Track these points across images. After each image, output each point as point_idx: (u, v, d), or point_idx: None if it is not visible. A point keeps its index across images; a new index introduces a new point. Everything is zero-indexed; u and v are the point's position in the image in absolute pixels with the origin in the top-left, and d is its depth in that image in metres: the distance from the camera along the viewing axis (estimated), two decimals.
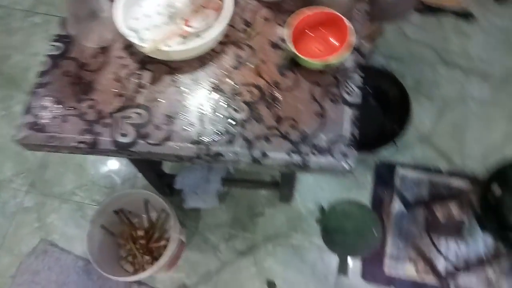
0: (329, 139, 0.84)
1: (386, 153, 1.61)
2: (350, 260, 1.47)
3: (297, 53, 0.85)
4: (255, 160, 0.82)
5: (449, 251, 1.48)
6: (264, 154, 0.82)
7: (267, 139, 0.83)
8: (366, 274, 1.45)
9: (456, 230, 1.49)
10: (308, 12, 0.87)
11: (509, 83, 1.71)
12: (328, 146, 0.83)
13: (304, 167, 0.82)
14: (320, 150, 0.83)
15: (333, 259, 1.47)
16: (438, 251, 1.46)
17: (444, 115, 1.68)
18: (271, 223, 1.54)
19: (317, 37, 0.92)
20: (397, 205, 1.56)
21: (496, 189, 1.05)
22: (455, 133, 1.65)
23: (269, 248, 1.50)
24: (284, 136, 0.84)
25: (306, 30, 0.90)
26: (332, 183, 1.59)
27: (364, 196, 1.57)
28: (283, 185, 1.40)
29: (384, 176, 1.60)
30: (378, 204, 1.56)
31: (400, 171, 1.61)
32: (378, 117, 1.63)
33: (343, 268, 1.45)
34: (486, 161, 1.58)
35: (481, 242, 1.46)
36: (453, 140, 1.64)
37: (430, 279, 1.44)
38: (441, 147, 1.63)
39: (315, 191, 1.59)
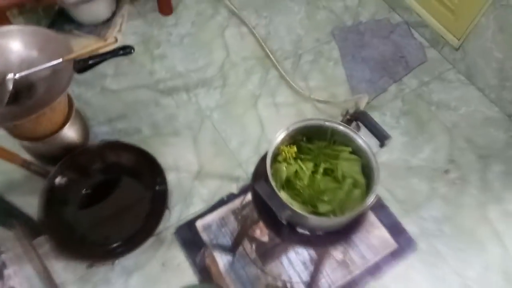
0: None
1: (174, 218, 1.35)
2: None
3: None
4: None
5: (294, 263, 1.31)
6: None
7: None
8: None
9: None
10: None
11: (227, 77, 1.67)
12: None
13: None
14: None
15: None
16: (283, 275, 1.28)
17: (199, 140, 1.51)
18: None
19: None
20: (221, 258, 1.31)
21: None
22: (219, 151, 1.50)
23: None
24: None
25: None
26: None
27: (188, 275, 1.27)
28: None
29: (190, 240, 1.33)
30: (206, 272, 1.28)
31: (200, 223, 1.37)
32: (139, 195, 1.33)
33: None
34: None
35: None
36: (223, 159, 1.48)
37: None
38: (219, 172, 1.46)
39: None
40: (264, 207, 0.90)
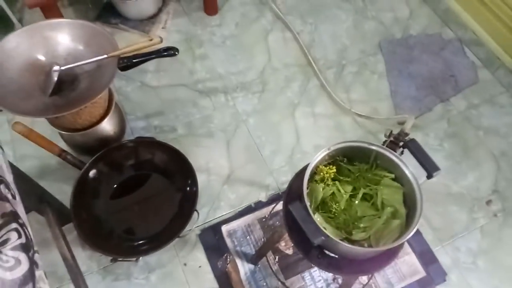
0: None
1: (200, 220, 1.34)
2: None
3: None
4: None
5: (316, 279, 1.27)
6: None
7: None
8: None
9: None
10: None
11: (267, 83, 1.64)
12: None
13: None
14: None
15: None
16: None
17: (232, 144, 1.50)
18: None
19: None
20: (242, 266, 1.29)
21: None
22: (251, 158, 1.47)
23: None
24: None
25: None
26: None
27: (208, 279, 1.27)
28: None
29: (214, 244, 1.32)
30: (226, 278, 1.26)
31: (225, 228, 1.35)
32: (169, 194, 1.33)
33: None
34: (295, 169, 1.46)
35: None
36: (254, 165, 1.46)
37: None
38: (249, 178, 1.43)
39: None
40: (295, 226, 0.86)
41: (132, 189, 1.33)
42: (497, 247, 1.33)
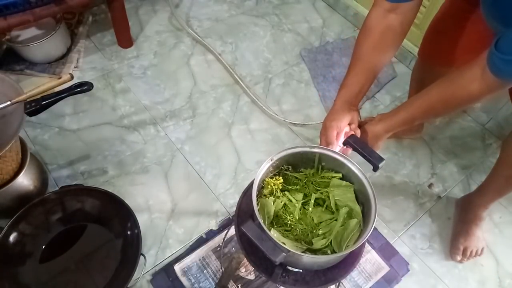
0: None
1: (150, 264, 1.22)
2: None
3: None
4: None
5: None
6: None
7: None
8: None
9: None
10: None
11: (197, 107, 1.59)
12: None
13: None
14: None
15: None
16: None
17: (171, 176, 1.41)
18: None
19: None
20: None
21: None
22: (194, 186, 1.39)
23: None
24: None
25: None
26: None
27: None
28: None
29: (169, 287, 1.21)
30: None
31: (178, 267, 1.25)
32: (108, 243, 1.19)
33: None
34: (241, 189, 1.41)
35: None
36: (198, 194, 1.38)
37: None
38: (195, 208, 1.35)
39: None
40: (252, 248, 0.80)
41: (65, 246, 1.18)
42: (447, 226, 1.37)
